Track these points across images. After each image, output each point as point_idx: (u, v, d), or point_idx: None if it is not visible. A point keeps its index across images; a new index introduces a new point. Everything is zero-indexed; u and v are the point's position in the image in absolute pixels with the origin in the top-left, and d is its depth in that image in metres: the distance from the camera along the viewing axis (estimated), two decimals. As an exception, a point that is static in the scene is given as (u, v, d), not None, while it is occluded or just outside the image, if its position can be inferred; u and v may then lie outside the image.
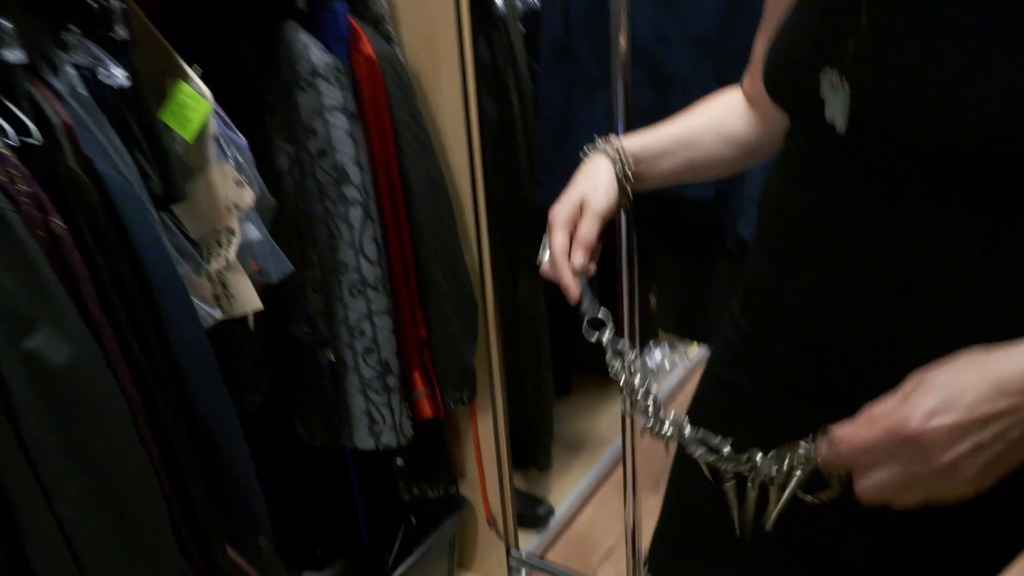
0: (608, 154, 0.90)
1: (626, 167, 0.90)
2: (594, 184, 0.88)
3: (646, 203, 1.50)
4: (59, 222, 0.81)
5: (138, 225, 0.90)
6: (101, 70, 0.88)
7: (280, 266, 1.14)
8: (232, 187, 1.03)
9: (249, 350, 1.24)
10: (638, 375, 0.80)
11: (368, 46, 1.25)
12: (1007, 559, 0.81)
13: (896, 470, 0.57)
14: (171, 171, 0.96)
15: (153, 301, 0.92)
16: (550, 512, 2.01)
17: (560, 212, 0.87)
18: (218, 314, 1.03)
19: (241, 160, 1.04)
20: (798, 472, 0.67)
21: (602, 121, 1.46)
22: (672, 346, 2.61)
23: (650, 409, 0.77)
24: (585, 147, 0.93)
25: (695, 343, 2.60)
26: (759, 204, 0.87)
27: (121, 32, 0.90)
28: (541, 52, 1.61)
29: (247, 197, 1.04)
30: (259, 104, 1.23)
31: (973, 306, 0.66)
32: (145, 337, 0.91)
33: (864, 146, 0.68)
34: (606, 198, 0.87)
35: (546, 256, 0.87)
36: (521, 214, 1.68)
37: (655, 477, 2.14)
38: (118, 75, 0.88)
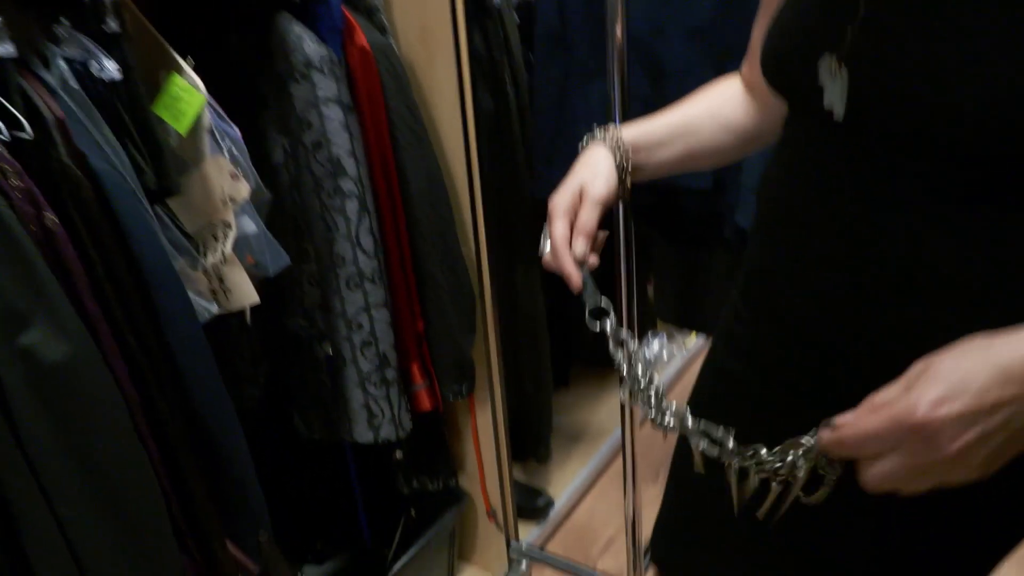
0: (607, 143, 0.90)
1: (624, 157, 0.89)
2: (593, 172, 0.88)
3: (644, 193, 1.50)
4: (53, 217, 0.80)
5: (132, 220, 0.89)
6: (93, 63, 0.87)
7: (277, 259, 1.13)
8: (227, 180, 1.02)
9: (246, 344, 1.23)
10: (640, 365, 0.79)
11: (362, 37, 1.24)
12: (1006, 548, 0.81)
13: (903, 458, 0.57)
14: (165, 165, 0.95)
15: (149, 296, 0.91)
16: (550, 503, 2.01)
17: (559, 201, 0.87)
18: (215, 308, 1.02)
19: (236, 153, 1.04)
20: (801, 470, 0.67)
21: (598, 111, 1.46)
22: (670, 336, 2.60)
23: (652, 399, 0.77)
24: (584, 137, 0.92)
25: (693, 333, 2.60)
26: (757, 192, 0.86)
27: (112, 25, 0.89)
28: (536, 42, 1.60)
29: (243, 190, 1.03)
30: (253, 97, 1.22)
31: (971, 299, 0.66)
32: (141, 332, 0.90)
33: (862, 133, 0.68)
34: (605, 186, 0.87)
35: (547, 246, 0.86)
36: (518, 206, 1.67)
37: (654, 467, 2.14)
38: (110, 68, 0.87)
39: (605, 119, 1.22)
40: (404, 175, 1.32)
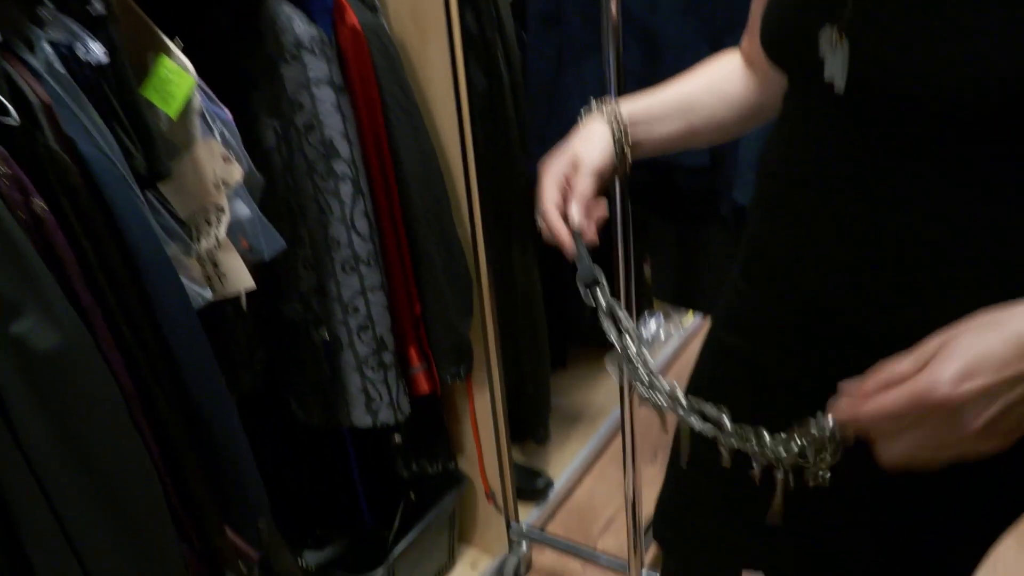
0: (604, 117, 0.88)
1: (623, 130, 0.87)
2: (588, 143, 0.86)
3: (640, 171, 1.48)
4: (41, 204, 0.79)
5: (123, 205, 0.88)
6: (78, 46, 0.85)
7: (272, 243, 1.12)
8: (220, 163, 1.00)
9: (242, 330, 1.22)
10: (631, 339, 0.76)
11: (353, 17, 1.22)
12: (1007, 522, 0.81)
13: (924, 435, 0.56)
14: (155, 149, 0.93)
15: (141, 283, 0.90)
16: (549, 484, 2.01)
17: (550, 165, 0.85)
18: (209, 294, 1.01)
19: (228, 135, 1.02)
20: (809, 457, 0.66)
21: (593, 89, 1.44)
22: (667, 316, 2.60)
23: (643, 376, 0.74)
24: (580, 112, 0.90)
25: (690, 312, 2.60)
26: (757, 167, 0.85)
27: (98, 6, 0.87)
28: (529, 20, 1.59)
29: (235, 173, 1.02)
30: (242, 79, 1.20)
31: (975, 266, 0.65)
32: (135, 319, 0.89)
33: (863, 105, 0.67)
34: (600, 155, 0.85)
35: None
36: (513, 186, 1.66)
37: (653, 447, 2.15)
38: (96, 51, 0.85)
39: (599, 96, 1.20)
40: (398, 156, 1.31)
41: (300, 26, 1.16)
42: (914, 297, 0.68)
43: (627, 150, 0.87)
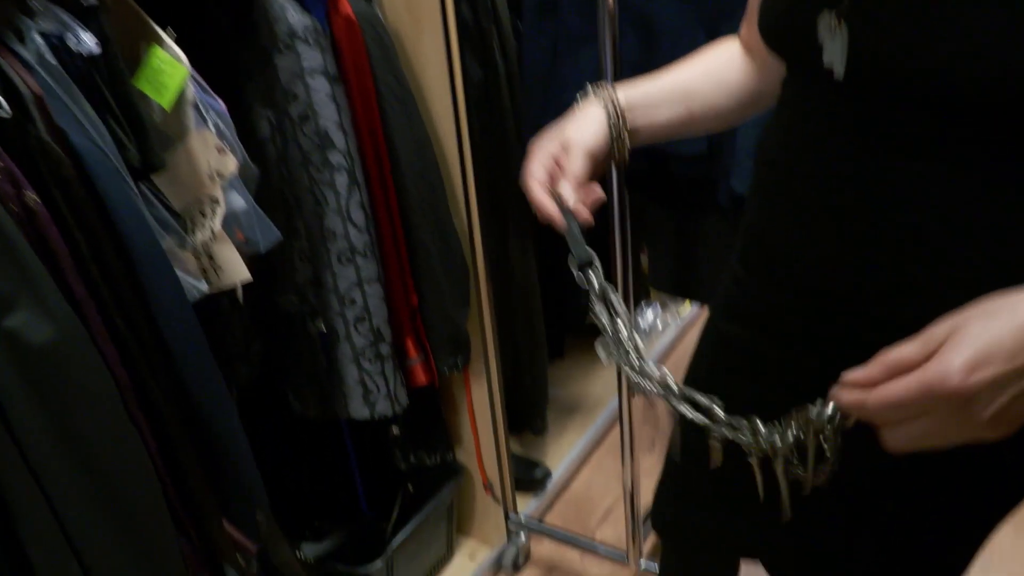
0: (600, 101, 0.86)
1: (619, 113, 0.85)
2: (580, 124, 0.84)
3: (637, 160, 1.48)
4: (34, 196, 0.78)
5: (116, 198, 0.87)
6: (70, 37, 0.84)
7: (268, 235, 1.11)
8: (214, 154, 1.00)
9: (238, 323, 1.22)
10: (623, 324, 0.74)
11: (347, 6, 1.21)
12: (1005, 510, 0.81)
13: (932, 424, 0.56)
14: (149, 140, 0.93)
15: (136, 275, 0.89)
16: (547, 475, 2.01)
17: (538, 143, 0.84)
18: (204, 287, 1.01)
19: (222, 126, 1.01)
20: (808, 444, 0.65)
21: (589, 78, 1.42)
22: (664, 306, 2.60)
23: (634, 362, 0.73)
24: (576, 95, 0.88)
25: (687, 302, 2.60)
26: (755, 155, 0.85)
27: (89, -4, 0.86)
28: (524, 9, 1.57)
29: (230, 164, 1.01)
30: (236, 69, 1.19)
31: (975, 254, 0.65)
32: (129, 313, 0.89)
33: (862, 91, 0.66)
34: (593, 136, 0.83)
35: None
36: (509, 176, 1.65)
37: (651, 437, 2.15)
38: (88, 41, 0.84)
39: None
40: (393, 147, 1.30)
41: (294, 15, 1.15)
42: (913, 284, 0.68)
43: (624, 135, 0.85)
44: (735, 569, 1.21)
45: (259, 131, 1.22)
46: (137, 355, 0.89)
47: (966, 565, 0.85)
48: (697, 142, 1.41)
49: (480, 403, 1.67)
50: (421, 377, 1.46)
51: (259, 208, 1.10)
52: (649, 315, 2.57)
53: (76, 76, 0.86)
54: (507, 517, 1.82)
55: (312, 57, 1.16)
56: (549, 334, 1.93)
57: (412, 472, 1.64)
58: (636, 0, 1.37)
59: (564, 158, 0.82)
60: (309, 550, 1.65)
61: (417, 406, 1.49)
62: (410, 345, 1.43)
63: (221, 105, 1.03)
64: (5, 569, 0.79)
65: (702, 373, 0.98)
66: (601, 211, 1.33)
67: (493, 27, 1.55)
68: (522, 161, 0.83)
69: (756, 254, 0.85)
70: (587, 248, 0.77)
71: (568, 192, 0.79)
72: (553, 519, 2.00)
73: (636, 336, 0.73)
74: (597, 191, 0.81)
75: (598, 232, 1.60)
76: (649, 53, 1.39)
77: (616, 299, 0.75)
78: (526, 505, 1.92)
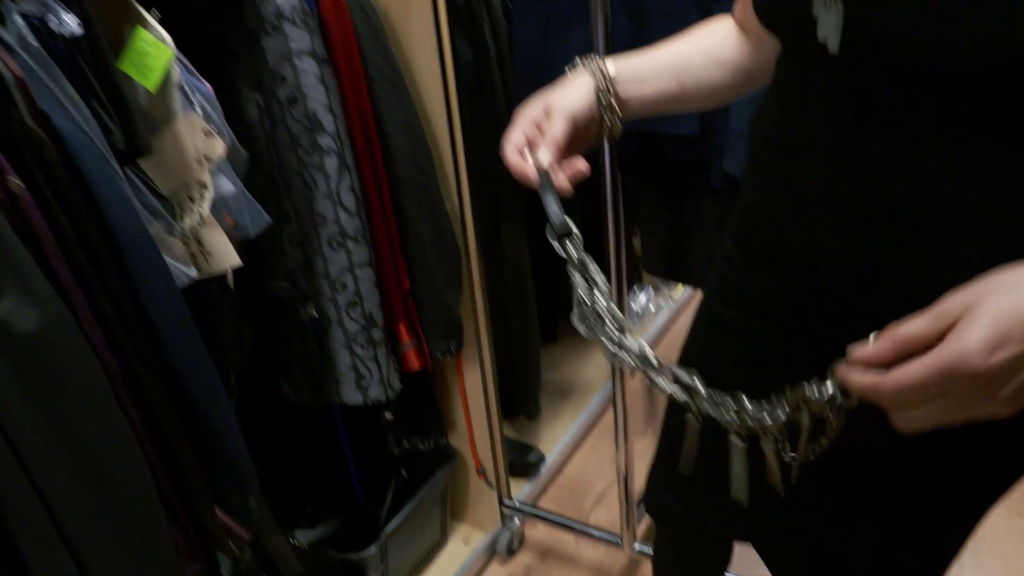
0: (589, 71, 0.84)
1: (607, 80, 0.82)
2: (565, 90, 0.82)
3: (629, 142, 1.47)
4: (17, 181, 0.77)
5: (101, 182, 0.85)
6: (51, 18, 0.83)
7: (257, 219, 1.10)
8: (201, 138, 0.98)
9: (229, 308, 1.21)
10: (601, 295, 0.73)
11: (335, -14, 1.19)
12: (1000, 490, 0.81)
13: (948, 405, 0.54)
14: (134, 124, 0.91)
15: (123, 261, 0.88)
16: (541, 459, 2.01)
17: (522, 110, 0.82)
18: (193, 272, 0.99)
19: (208, 108, 1.00)
20: (804, 424, 0.64)
21: (581, 59, 1.42)
22: (656, 289, 2.60)
23: (612, 334, 0.71)
24: (566, 67, 0.86)
25: (680, 286, 2.60)
26: (749, 134, 0.84)
27: (70, -24, 0.84)
28: (515, -10, 1.56)
29: (218, 148, 0.99)
30: (222, 51, 1.17)
31: (973, 230, 0.64)
32: (117, 299, 0.87)
33: (857, 66, 0.65)
34: (576, 101, 0.80)
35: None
36: (501, 159, 1.64)
37: (645, 421, 2.15)
38: (70, 23, 0.82)
39: (588, 64, 1.18)
40: (384, 129, 1.28)
41: (280, -4, 1.13)
42: (912, 263, 0.67)
43: (614, 104, 0.83)
44: (729, 552, 1.22)
45: (247, 114, 1.21)
46: (125, 342, 0.88)
47: (960, 545, 0.85)
48: (690, 123, 1.40)
49: (473, 388, 1.66)
50: (414, 362, 1.45)
51: (248, 192, 1.09)
52: (642, 299, 2.56)
53: (59, 58, 0.84)
54: (501, 502, 1.82)
55: (300, 38, 1.14)
56: (542, 318, 1.93)
57: (405, 457, 1.64)
58: (628, -21, 1.36)
59: (545, 122, 0.80)
60: (302, 536, 1.65)
61: (410, 391, 1.49)
62: (402, 330, 1.42)
63: (208, 88, 1.01)
64: (-6, 559, 0.78)
65: (695, 356, 0.97)
66: (593, 194, 1.33)
67: (483, 7, 1.53)
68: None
69: (751, 235, 0.84)
70: (565, 217, 0.75)
71: (544, 154, 0.77)
72: (547, 503, 2.00)
73: (615, 308, 0.72)
74: (580, 164, 0.79)
75: (591, 215, 1.59)
76: (641, 33, 1.38)
77: (595, 270, 0.73)
78: (520, 489, 1.92)
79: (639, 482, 1.20)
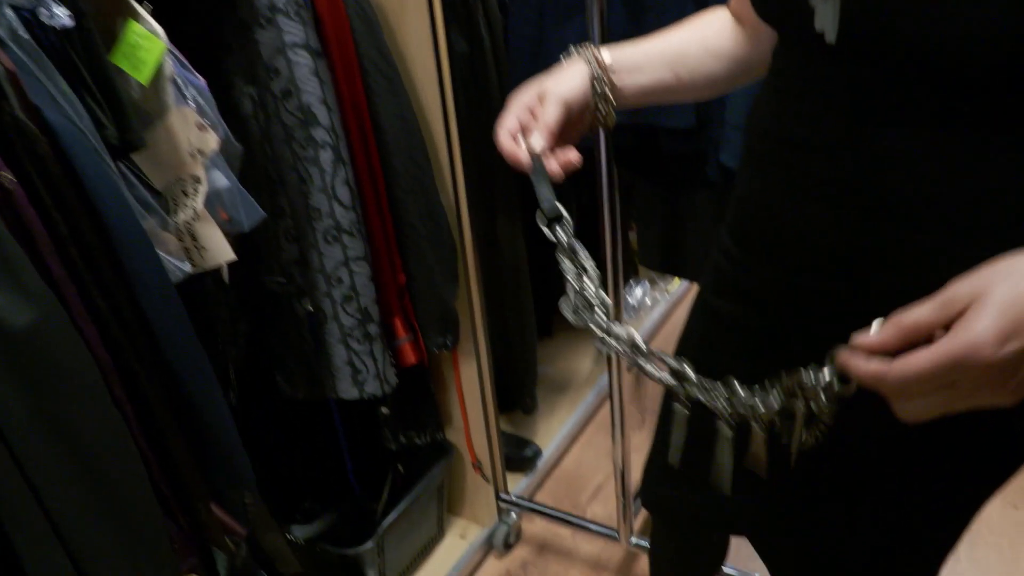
0: (583, 58, 0.83)
1: (601, 68, 0.82)
2: (559, 76, 0.82)
3: (624, 135, 1.47)
4: (9, 175, 0.76)
5: (94, 177, 0.85)
6: (42, 10, 0.82)
7: (251, 213, 1.09)
8: (194, 132, 0.97)
9: (224, 304, 1.20)
10: (590, 282, 0.72)
11: (328, -22, 1.18)
12: (997, 482, 0.81)
13: (955, 395, 0.53)
14: (127, 118, 0.90)
15: (117, 257, 0.87)
16: (537, 454, 2.01)
17: (516, 95, 0.82)
18: (188, 267, 0.99)
19: (202, 102, 0.99)
20: (798, 411, 0.64)
21: (576, 52, 1.41)
22: (652, 283, 2.59)
23: (601, 321, 0.70)
24: (560, 55, 0.86)
25: (676, 279, 2.59)
26: (746, 126, 0.84)
27: (61, -32, 0.83)
28: (510, -18, 1.55)
29: (211, 141, 0.99)
30: (216, 44, 1.16)
31: (968, 224, 0.64)
32: (111, 295, 0.87)
33: (855, 56, 0.65)
34: (570, 86, 0.80)
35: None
36: (496, 152, 1.63)
37: (641, 415, 2.15)
38: (61, 15, 0.82)
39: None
40: (378, 123, 1.28)
41: (274, -12, 1.12)
42: (911, 256, 0.67)
43: (608, 93, 0.83)
44: (725, 545, 1.22)
45: (241, 108, 1.20)
46: (120, 337, 0.88)
47: (957, 538, 0.85)
48: (686, 116, 1.40)
49: (469, 382, 1.66)
50: (410, 356, 1.45)
51: (242, 187, 1.09)
52: (638, 292, 2.56)
53: (50, 51, 0.83)
54: (498, 496, 1.82)
55: (294, 31, 1.13)
56: (538, 312, 1.93)
57: (402, 452, 1.64)
58: (624, -30, 1.36)
59: (539, 108, 0.80)
60: (299, 532, 1.64)
61: (406, 386, 1.48)
62: (398, 324, 1.42)
63: (201, 81, 1.01)
64: (-10, 556, 0.77)
65: (691, 349, 0.97)
66: (589, 188, 1.33)
67: (479, 0, 1.52)
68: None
69: (748, 227, 0.84)
70: (555, 202, 0.75)
71: (537, 140, 0.77)
72: (544, 497, 2.00)
73: (604, 294, 0.71)
74: (573, 154, 0.79)
75: (586, 209, 1.59)
76: (637, 25, 1.38)
77: (585, 256, 0.73)
78: (517, 484, 1.92)
79: (636, 476, 1.20)
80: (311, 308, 1.31)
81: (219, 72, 1.17)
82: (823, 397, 0.61)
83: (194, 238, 1.03)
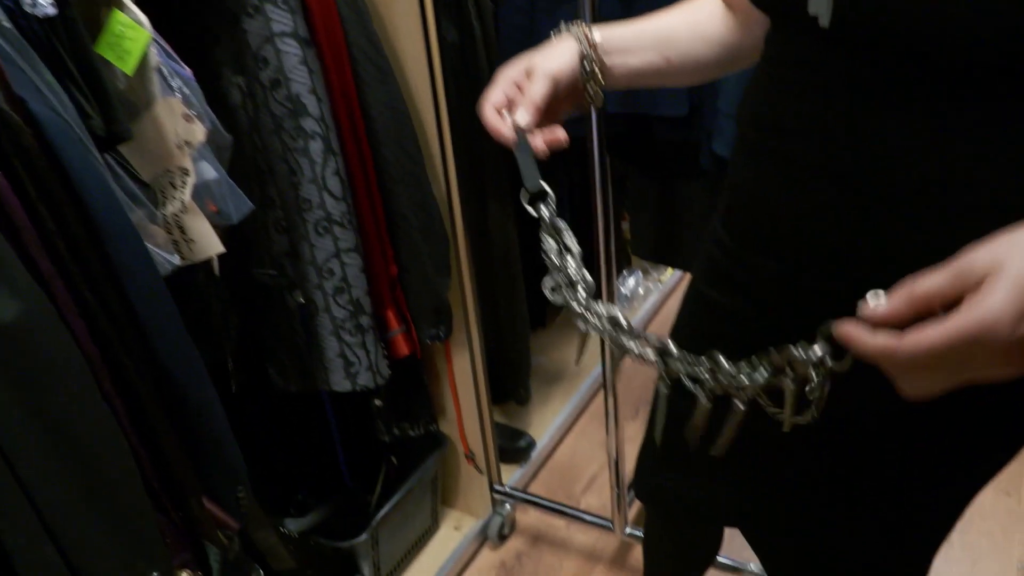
0: (573, 36, 0.82)
1: (592, 46, 0.81)
2: (547, 52, 0.81)
3: (617, 123, 1.46)
4: (-7, 168, 0.75)
5: (81, 169, 0.83)
6: (24, -1, 0.81)
7: (240, 206, 1.08)
8: (181, 123, 0.96)
9: (215, 296, 1.19)
10: (572, 260, 0.72)
11: (317, -34, 1.17)
12: (991, 470, 0.80)
13: (964, 368, 0.50)
14: (113, 109, 0.89)
15: (104, 249, 0.86)
16: (531, 445, 2.01)
17: (503, 70, 0.81)
18: (176, 260, 0.98)
19: (188, 92, 0.98)
20: (788, 388, 0.63)
21: (568, 40, 1.40)
22: (645, 272, 2.59)
23: (581, 298, 0.70)
24: (551, 32, 0.85)
25: (669, 269, 2.59)
26: (738, 114, 0.83)
27: (43, -45, 0.82)
28: (500, -30, 1.54)
29: (198, 133, 0.98)
30: (203, 33, 1.15)
31: (968, 204, 0.63)
32: (99, 288, 0.86)
33: (850, 41, 0.64)
34: (559, 62, 0.79)
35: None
36: (488, 142, 1.62)
37: (634, 405, 2.15)
38: (44, 3, 0.80)
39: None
40: (368, 112, 1.27)
41: (261, -24, 1.11)
42: (908, 246, 0.66)
43: (597, 71, 0.82)
44: (719, 535, 1.22)
45: (230, 98, 1.19)
46: (108, 331, 0.87)
47: (950, 527, 0.85)
48: (679, 104, 1.39)
49: (462, 373, 1.65)
50: (403, 348, 1.44)
51: (230, 179, 1.07)
52: (631, 282, 2.56)
53: (33, 41, 0.82)
54: (492, 487, 1.82)
55: (282, 19, 1.12)
56: (531, 302, 1.92)
57: (395, 444, 1.63)
58: (615, -42, 1.34)
59: (526, 83, 0.79)
60: (293, 525, 1.64)
61: (399, 377, 1.48)
62: (391, 316, 1.41)
63: (187, 71, 0.99)
64: (-24, 551, 0.77)
65: (684, 339, 0.96)
66: (582, 178, 1.32)
67: (469, -12, 1.51)
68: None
69: (741, 216, 0.83)
70: (540, 179, 0.74)
71: (523, 115, 0.76)
72: (538, 488, 2.00)
73: (586, 273, 0.71)
74: (559, 132, 0.78)
75: (579, 200, 1.58)
76: (628, 13, 1.36)
77: (568, 235, 0.73)
78: (511, 475, 1.92)
79: (630, 466, 1.20)
80: (302, 300, 1.30)
81: (207, 62, 1.16)
82: (814, 375, 0.59)
83: (182, 230, 1.02)
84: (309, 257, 1.27)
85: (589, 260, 0.73)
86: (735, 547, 1.22)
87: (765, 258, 0.80)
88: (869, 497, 0.86)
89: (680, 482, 1.02)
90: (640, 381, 2.19)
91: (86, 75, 0.87)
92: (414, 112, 1.37)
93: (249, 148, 1.21)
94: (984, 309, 0.48)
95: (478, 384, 1.66)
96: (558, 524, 1.89)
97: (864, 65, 0.64)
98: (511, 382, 2.00)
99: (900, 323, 0.52)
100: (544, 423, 2.10)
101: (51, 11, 0.80)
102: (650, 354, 0.67)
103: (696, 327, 0.95)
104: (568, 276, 0.71)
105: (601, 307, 0.69)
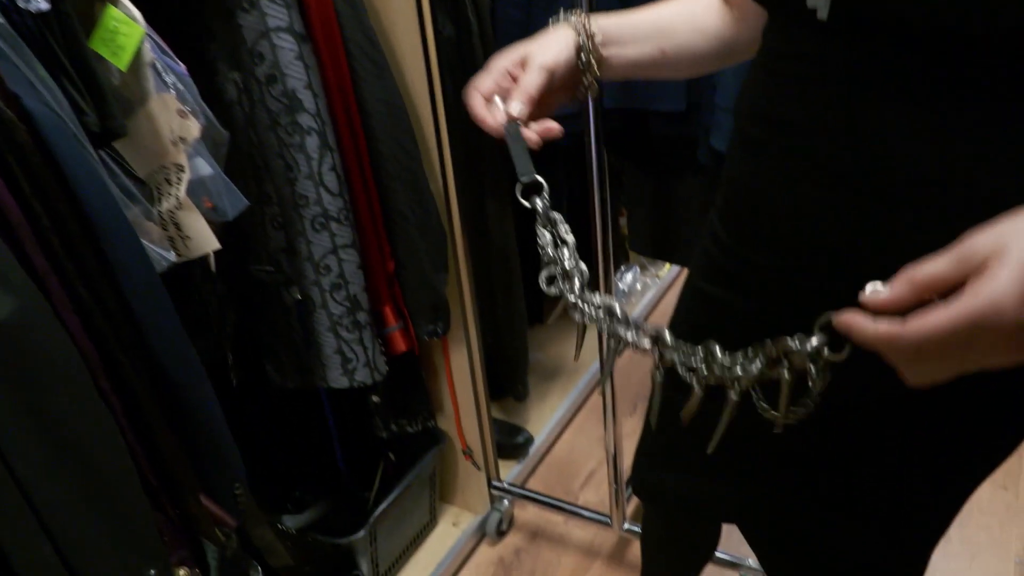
0: (571, 25, 0.81)
1: (589, 36, 0.80)
2: (543, 42, 0.79)
3: (615, 119, 1.46)
4: (-13, 165, 0.75)
5: (76, 165, 0.83)
6: (17, -7, 0.80)
7: (235, 202, 1.08)
8: (176, 119, 0.96)
9: (211, 293, 1.19)
10: (569, 251, 0.71)
11: (312, -39, 1.16)
12: (990, 465, 0.80)
13: (968, 354, 0.49)
14: (108, 105, 0.88)
15: (99, 246, 0.86)
16: (529, 440, 2.01)
17: (497, 58, 0.80)
18: (172, 256, 0.97)
19: (182, 88, 0.97)
20: (783, 380, 0.63)
21: (565, 35, 1.40)
22: (643, 268, 2.59)
23: (576, 286, 0.69)
24: (549, 20, 0.84)
25: (667, 264, 2.59)
26: (735, 109, 0.82)
27: (35, -50, 0.82)
28: (497, -36, 1.54)
29: (193, 129, 0.97)
30: (198, 29, 1.14)
31: (968, 207, 0.63)
32: (94, 285, 0.85)
33: (849, 33, 0.64)
34: (554, 53, 0.78)
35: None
36: (485, 137, 1.62)
37: (632, 400, 2.15)
38: (37, -2, 0.80)
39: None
40: (365, 108, 1.26)
41: (257, -29, 1.10)
42: (907, 240, 0.66)
43: (594, 62, 0.81)
44: (717, 531, 1.22)
45: (225, 94, 1.18)
46: (104, 328, 0.86)
47: (947, 524, 0.85)
48: (676, 99, 1.39)
49: (460, 369, 1.65)
50: (400, 344, 1.44)
51: (225, 175, 1.07)
52: (628, 278, 2.56)
53: (27, 36, 0.81)
54: (490, 483, 1.81)
55: (277, 14, 1.12)
56: (529, 298, 1.92)
57: (393, 440, 1.63)
58: (612, -49, 1.34)
59: (520, 73, 0.78)
60: (290, 522, 1.64)
61: (397, 374, 1.47)
62: (388, 312, 1.41)
63: (181, 67, 0.99)
64: (-27, 550, 0.76)
65: (680, 334, 0.96)
66: (579, 173, 1.32)
67: (465, -17, 1.51)
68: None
69: (738, 211, 0.83)
70: (533, 170, 0.73)
71: (516, 106, 0.75)
72: (536, 484, 2.00)
73: (581, 264, 0.70)
74: (552, 124, 0.77)
75: (576, 195, 1.57)
76: (625, 4, 1.36)
77: (564, 228, 0.72)
78: (509, 471, 1.92)
79: (628, 462, 1.20)
80: (299, 297, 1.30)
81: (202, 57, 1.16)
82: (811, 366, 0.59)
83: (178, 227, 1.01)
84: (306, 253, 1.27)
85: (587, 256, 0.73)
86: (732, 542, 1.22)
87: (761, 253, 0.79)
88: (867, 492, 0.85)
89: (677, 478, 1.02)
90: (638, 377, 2.19)
91: (80, 71, 0.86)
92: (411, 107, 1.36)
93: (245, 144, 1.20)
94: (989, 291, 0.47)
95: (476, 380, 1.66)
96: (556, 520, 1.89)
97: (862, 58, 0.64)
98: (509, 378, 2.00)
99: (902, 310, 0.51)
100: (542, 419, 2.10)
101: (44, 6, 0.79)
102: (646, 343, 0.67)
103: (693, 322, 0.95)
104: (563, 268, 0.70)
105: (596, 297, 0.68)
